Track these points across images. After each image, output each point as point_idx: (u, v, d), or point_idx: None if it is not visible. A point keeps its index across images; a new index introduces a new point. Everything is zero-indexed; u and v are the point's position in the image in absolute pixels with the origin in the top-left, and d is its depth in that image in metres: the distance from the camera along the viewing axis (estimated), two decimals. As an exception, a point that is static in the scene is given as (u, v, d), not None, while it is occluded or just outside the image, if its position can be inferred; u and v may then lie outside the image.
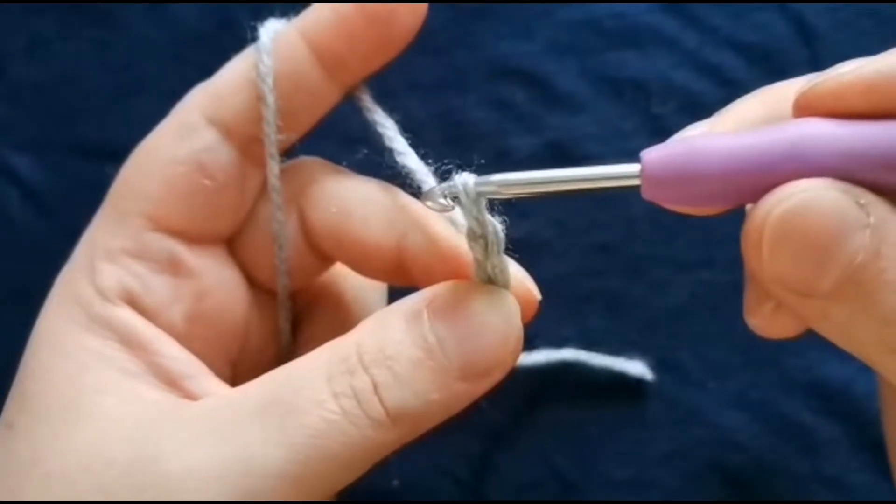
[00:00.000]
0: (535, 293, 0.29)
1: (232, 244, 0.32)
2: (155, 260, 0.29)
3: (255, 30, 0.30)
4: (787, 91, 0.26)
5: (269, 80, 0.29)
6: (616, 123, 0.42)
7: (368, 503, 0.39)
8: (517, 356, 0.27)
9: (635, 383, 0.40)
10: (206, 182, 0.29)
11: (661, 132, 0.42)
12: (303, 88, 0.30)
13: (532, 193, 0.25)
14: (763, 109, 0.26)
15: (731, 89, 0.42)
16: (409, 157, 0.29)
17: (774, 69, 0.42)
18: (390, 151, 0.29)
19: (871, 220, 0.22)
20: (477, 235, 0.26)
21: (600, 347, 0.41)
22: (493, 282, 0.27)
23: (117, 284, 0.29)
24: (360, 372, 0.26)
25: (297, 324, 0.34)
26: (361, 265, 0.32)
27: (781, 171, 0.23)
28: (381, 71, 0.31)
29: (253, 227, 0.32)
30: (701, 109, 0.43)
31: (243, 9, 0.45)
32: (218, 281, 0.31)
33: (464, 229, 0.27)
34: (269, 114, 0.29)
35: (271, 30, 0.30)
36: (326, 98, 0.30)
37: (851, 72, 0.24)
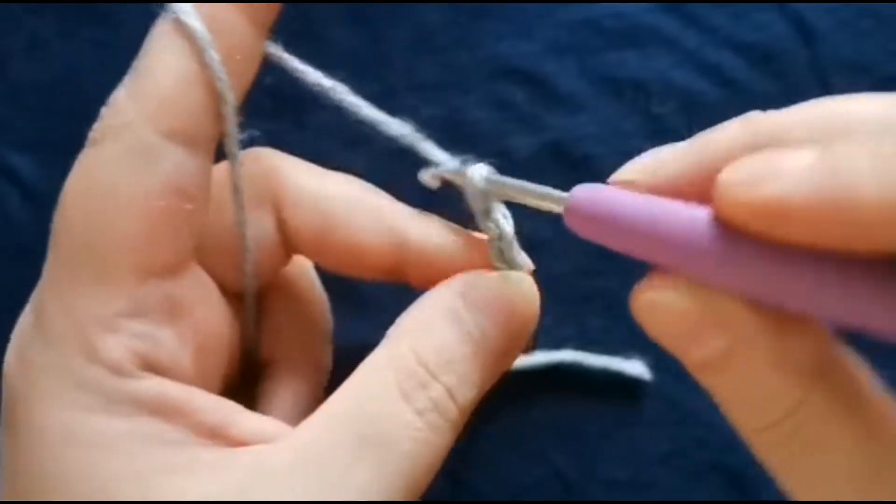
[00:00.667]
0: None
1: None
2: (155, 312, 0.26)
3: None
4: (765, 124, 0.24)
5: (223, 74, 0.26)
6: (616, 123, 0.42)
7: (368, 503, 0.39)
8: (538, 310, 0.30)
9: (634, 383, 0.40)
10: (188, 206, 0.26)
11: (661, 132, 0.42)
12: (237, 47, 0.28)
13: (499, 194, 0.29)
14: (739, 141, 0.24)
15: (731, 89, 0.42)
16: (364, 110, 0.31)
17: (774, 69, 0.42)
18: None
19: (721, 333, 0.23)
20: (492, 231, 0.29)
21: (599, 347, 0.41)
22: (510, 264, 0.30)
23: (127, 353, 0.25)
24: (434, 383, 0.27)
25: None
26: (349, 268, 0.32)
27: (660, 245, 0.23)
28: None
29: (214, 231, 0.29)
30: (701, 109, 0.43)
31: (243, 9, 0.45)
32: (205, 306, 0.29)
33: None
34: (230, 111, 0.27)
35: (188, 10, 0.27)
36: (255, 47, 0.29)
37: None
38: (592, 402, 0.40)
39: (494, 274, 0.30)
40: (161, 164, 0.26)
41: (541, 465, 0.40)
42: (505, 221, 0.30)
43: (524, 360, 0.39)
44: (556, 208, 0.26)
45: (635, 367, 0.40)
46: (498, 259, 0.30)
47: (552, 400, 0.40)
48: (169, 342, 0.27)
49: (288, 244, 0.31)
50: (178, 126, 0.26)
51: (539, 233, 0.36)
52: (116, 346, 0.25)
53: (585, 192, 0.25)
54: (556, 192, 0.27)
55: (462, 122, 0.43)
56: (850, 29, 0.42)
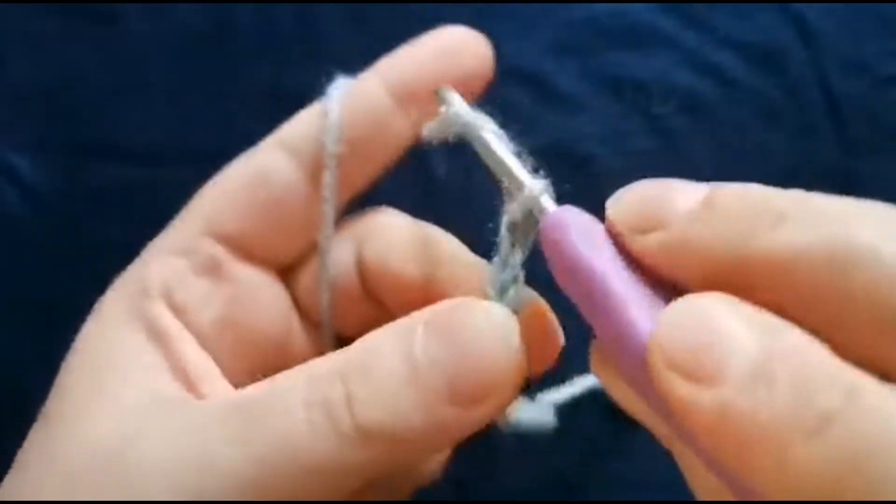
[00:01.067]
0: (558, 336, 0.28)
1: (290, 274, 0.32)
2: (198, 260, 0.30)
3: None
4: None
5: (334, 112, 0.30)
6: (616, 123, 0.42)
7: (368, 503, 0.39)
8: (515, 387, 0.25)
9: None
10: (263, 193, 0.30)
11: (661, 132, 0.42)
12: (375, 122, 0.31)
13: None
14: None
15: (731, 89, 0.42)
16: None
17: (774, 69, 0.42)
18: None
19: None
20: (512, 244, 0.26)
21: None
22: (500, 305, 0.26)
23: (159, 279, 0.30)
24: (338, 382, 0.24)
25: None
26: (398, 304, 0.31)
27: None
28: None
29: (312, 261, 0.32)
30: (701, 109, 0.43)
31: (243, 9, 0.45)
32: (257, 293, 0.31)
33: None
34: (330, 137, 0.30)
35: (343, 83, 0.31)
36: (399, 134, 0.31)
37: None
38: (592, 402, 0.40)
39: (484, 308, 0.25)
40: (258, 156, 0.31)
41: (541, 465, 0.40)
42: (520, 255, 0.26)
43: (557, 395, 0.39)
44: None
45: None
46: (495, 292, 0.26)
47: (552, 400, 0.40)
48: (194, 288, 0.30)
49: (365, 287, 0.32)
50: (287, 138, 0.31)
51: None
52: (158, 270, 0.30)
53: (557, 221, 0.24)
54: (540, 203, 0.26)
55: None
56: (850, 29, 0.42)
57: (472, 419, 0.24)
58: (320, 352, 0.32)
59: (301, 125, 0.31)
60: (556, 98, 0.43)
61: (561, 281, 0.24)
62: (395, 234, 0.31)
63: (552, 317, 0.28)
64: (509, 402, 0.25)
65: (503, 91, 0.43)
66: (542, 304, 0.27)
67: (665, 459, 0.39)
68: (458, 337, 0.24)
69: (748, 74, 0.42)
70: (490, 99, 0.43)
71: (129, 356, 0.28)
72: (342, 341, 0.31)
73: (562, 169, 0.42)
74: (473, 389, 0.24)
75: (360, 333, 0.32)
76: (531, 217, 0.26)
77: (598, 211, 0.39)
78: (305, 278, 0.32)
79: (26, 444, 0.28)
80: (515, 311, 0.26)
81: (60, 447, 0.27)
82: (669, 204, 0.23)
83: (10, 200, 0.44)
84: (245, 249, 0.31)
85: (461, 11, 0.43)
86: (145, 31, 0.45)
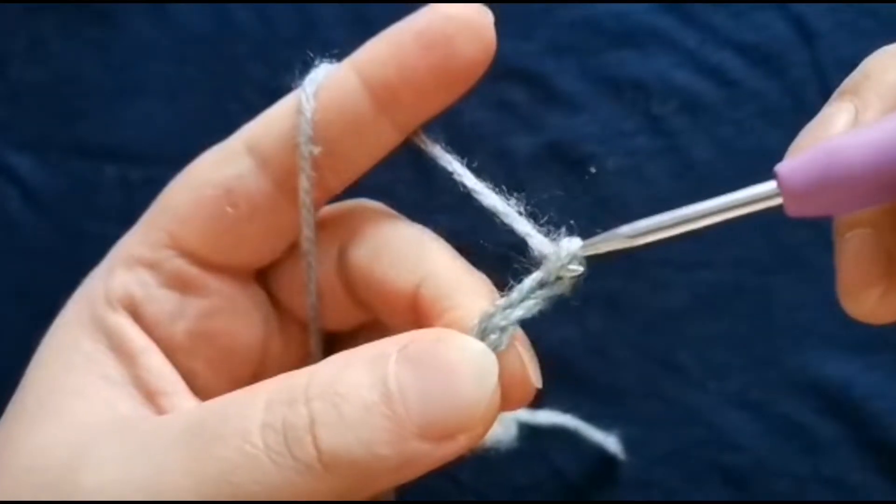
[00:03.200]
0: (534, 379, 0.26)
1: (267, 273, 0.31)
2: (166, 274, 0.29)
3: (306, 68, 0.29)
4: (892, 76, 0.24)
5: (308, 112, 0.27)
6: (616, 123, 0.42)
7: (368, 503, 0.39)
8: (487, 425, 0.24)
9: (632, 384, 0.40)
10: (229, 209, 0.28)
11: (661, 132, 0.42)
12: (353, 124, 0.28)
13: (663, 239, 0.24)
14: (881, 101, 0.24)
15: (731, 89, 0.42)
16: (488, 198, 0.27)
17: (774, 69, 0.42)
18: (469, 194, 0.28)
19: None
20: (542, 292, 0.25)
21: (600, 348, 0.41)
22: (486, 339, 0.25)
23: (123, 291, 0.28)
24: (300, 404, 0.23)
25: (333, 349, 0.32)
26: (383, 310, 0.30)
27: None
28: (440, 114, 0.28)
29: (290, 261, 0.30)
30: (701, 109, 0.43)
31: (243, 9, 0.45)
32: (231, 304, 0.30)
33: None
34: (304, 139, 0.28)
35: (321, 73, 0.29)
36: (380, 138, 0.28)
37: None
38: (592, 402, 0.40)
39: (462, 342, 0.24)
40: (227, 165, 0.29)
41: (541, 465, 0.40)
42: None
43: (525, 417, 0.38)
44: (761, 207, 0.23)
45: (611, 444, 0.39)
46: (481, 329, 0.25)
47: (552, 401, 0.40)
48: (163, 303, 0.29)
49: (347, 288, 0.30)
50: (258, 144, 0.28)
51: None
52: (122, 280, 0.29)
53: (801, 163, 0.23)
54: (755, 190, 0.23)
55: (462, 122, 0.43)
56: (850, 29, 0.42)
57: (442, 454, 0.24)
58: (303, 351, 0.32)
59: (271, 125, 0.29)
60: (556, 98, 0.43)
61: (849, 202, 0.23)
62: (381, 239, 0.29)
63: (532, 358, 0.27)
64: (480, 439, 0.24)
65: (503, 91, 0.43)
66: (524, 344, 0.26)
67: (664, 460, 0.40)
68: (434, 371, 0.23)
69: (748, 74, 0.42)
70: (490, 99, 0.43)
71: (87, 369, 0.28)
72: (326, 337, 0.31)
73: (562, 169, 0.42)
74: (445, 426, 0.23)
75: (344, 329, 0.32)
76: (560, 277, 0.25)
77: (598, 210, 0.39)
78: (284, 278, 0.31)
79: None
80: (496, 348, 0.25)
81: (10, 459, 0.26)
82: None
83: (11, 200, 0.44)
84: (213, 264, 0.29)
85: (461, 11, 0.43)
86: (145, 31, 0.45)
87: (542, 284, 0.25)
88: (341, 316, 0.31)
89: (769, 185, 0.23)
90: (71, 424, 0.26)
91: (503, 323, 0.25)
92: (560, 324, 0.41)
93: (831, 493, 0.39)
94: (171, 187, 0.30)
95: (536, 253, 0.26)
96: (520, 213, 0.27)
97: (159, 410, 0.28)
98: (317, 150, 0.27)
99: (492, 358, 0.24)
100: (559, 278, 0.25)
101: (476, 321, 0.25)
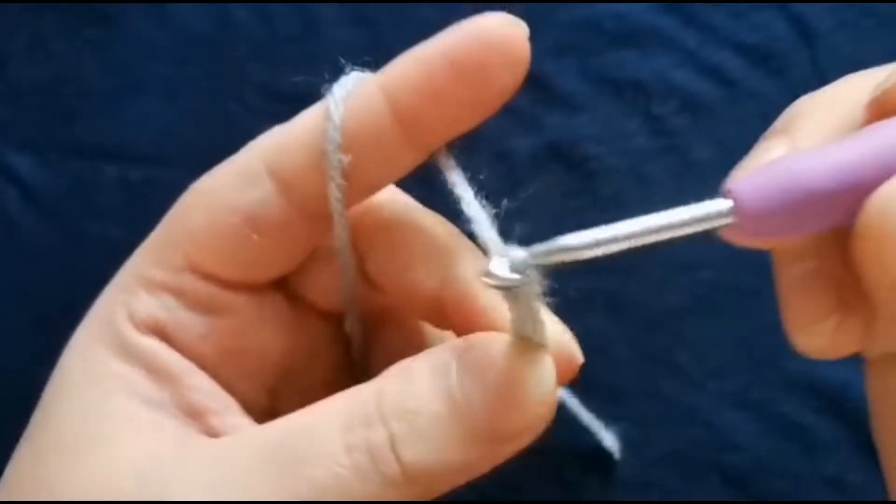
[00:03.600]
0: (578, 356, 0.28)
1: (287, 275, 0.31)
2: (190, 298, 0.28)
3: (333, 80, 0.28)
4: (850, 94, 0.24)
5: (337, 119, 0.26)
6: (616, 123, 0.42)
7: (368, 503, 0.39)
8: (550, 419, 0.25)
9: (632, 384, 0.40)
10: (254, 237, 0.27)
11: (661, 132, 0.42)
12: (378, 148, 0.27)
13: (600, 255, 0.23)
14: (836, 118, 0.24)
15: (731, 89, 0.42)
16: (481, 226, 0.26)
17: (774, 69, 0.42)
18: (465, 218, 0.27)
19: None
20: (515, 295, 0.24)
21: (600, 348, 0.41)
22: (529, 339, 0.25)
23: (149, 315, 0.28)
24: (378, 425, 0.24)
25: (366, 344, 0.33)
26: (404, 302, 0.30)
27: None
28: (468, 134, 0.28)
29: (313, 261, 0.30)
30: (701, 109, 0.43)
31: (243, 9, 0.45)
32: (258, 317, 0.29)
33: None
34: (332, 147, 0.26)
35: (350, 81, 0.27)
36: (404, 161, 0.27)
37: None
38: (591, 402, 0.40)
39: (510, 341, 0.25)
40: (249, 191, 0.27)
41: (541, 465, 0.40)
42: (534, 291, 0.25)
43: None
44: (709, 226, 0.22)
45: (609, 440, 0.39)
46: (518, 331, 0.25)
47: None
48: (191, 326, 0.28)
49: (363, 272, 0.30)
50: (281, 168, 0.27)
51: (540, 234, 0.36)
52: (146, 304, 0.28)
53: (760, 180, 0.21)
54: (705, 207, 0.22)
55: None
56: (850, 29, 0.42)
57: (509, 452, 0.25)
58: (326, 344, 0.32)
59: (293, 145, 0.27)
60: (556, 98, 0.43)
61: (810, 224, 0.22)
62: (401, 238, 0.29)
63: (574, 345, 0.28)
64: (543, 430, 0.25)
65: (503, 91, 0.43)
66: (564, 332, 0.28)
67: (664, 460, 0.40)
68: (496, 378, 0.24)
69: (748, 74, 0.42)
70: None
71: (126, 394, 0.27)
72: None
73: (562, 169, 0.42)
74: (512, 429, 0.24)
75: (367, 320, 0.32)
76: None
77: (598, 210, 0.39)
78: (306, 278, 0.31)
79: (14, 470, 0.27)
80: (540, 339, 0.25)
81: (50, 479, 0.26)
82: None
83: (11, 200, 0.44)
84: (234, 283, 0.29)
85: (461, 11, 0.43)
86: (145, 31, 0.45)
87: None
88: (363, 301, 0.31)
89: (722, 204, 0.22)
90: (123, 452, 0.26)
91: (534, 318, 0.25)
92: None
93: (831, 493, 0.39)
94: (186, 207, 0.28)
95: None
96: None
97: (210, 431, 0.27)
98: (346, 158, 0.26)
99: (548, 359, 0.25)
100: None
101: (511, 327, 0.25)
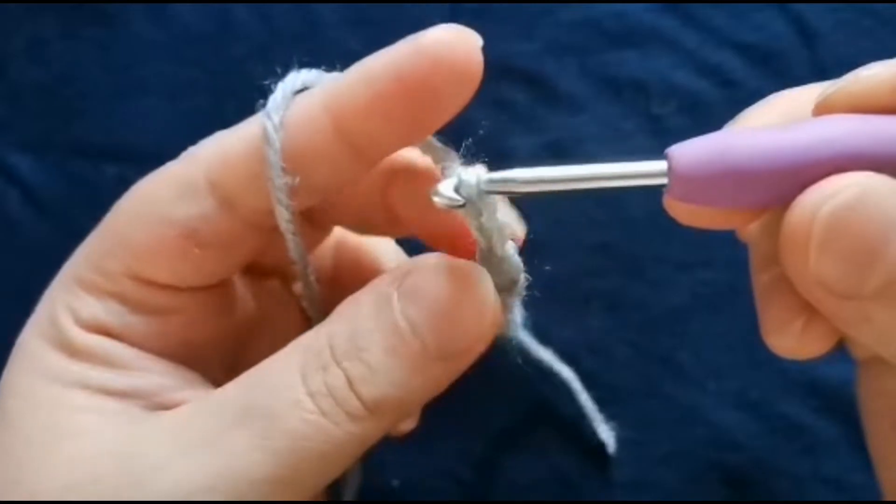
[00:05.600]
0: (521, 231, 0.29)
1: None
2: (133, 303, 0.28)
3: (272, 85, 0.27)
4: (801, 97, 0.25)
5: (277, 160, 0.26)
6: (616, 123, 0.42)
7: (368, 503, 0.39)
8: (495, 328, 0.26)
9: (631, 383, 0.40)
10: (196, 251, 0.27)
11: (661, 132, 0.42)
12: (323, 167, 0.26)
13: (544, 192, 0.24)
14: (781, 115, 0.25)
15: (731, 89, 0.42)
16: (442, 151, 0.27)
17: (774, 69, 0.42)
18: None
19: None
20: (483, 229, 0.25)
21: (600, 347, 0.41)
22: (491, 243, 0.26)
23: (93, 317, 0.28)
24: (333, 367, 0.25)
25: (325, 303, 0.33)
26: (351, 221, 0.31)
27: (823, 164, 0.22)
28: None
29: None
30: (701, 109, 0.43)
31: (243, 9, 0.45)
32: (206, 310, 0.30)
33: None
34: (275, 172, 0.26)
35: (289, 90, 0.27)
36: (353, 172, 0.27)
37: (878, 72, 0.23)
38: (592, 401, 0.40)
39: (446, 263, 0.25)
40: (189, 204, 0.27)
41: (541, 465, 0.40)
42: (499, 230, 0.25)
43: (533, 349, 0.39)
44: (646, 182, 0.23)
45: (604, 432, 0.39)
46: (479, 235, 0.25)
47: (553, 400, 0.40)
48: (139, 328, 0.28)
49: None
50: (223, 182, 0.27)
51: (540, 234, 0.36)
52: (91, 307, 0.28)
53: (695, 147, 0.22)
54: (645, 165, 0.23)
55: (462, 122, 0.42)
56: (850, 29, 0.42)
57: (464, 365, 0.26)
58: (277, 303, 0.32)
59: (233, 160, 0.27)
60: (556, 98, 0.43)
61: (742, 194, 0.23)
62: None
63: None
64: (492, 337, 0.26)
65: (503, 91, 0.43)
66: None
67: (664, 460, 0.40)
68: (435, 299, 0.25)
69: (748, 74, 0.42)
70: (490, 99, 0.43)
71: (83, 384, 0.27)
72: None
73: (562, 169, 0.42)
74: (461, 343, 0.25)
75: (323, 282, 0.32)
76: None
77: (598, 210, 0.39)
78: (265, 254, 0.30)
79: None
80: (500, 228, 0.26)
81: (36, 484, 0.26)
82: None
83: (11, 200, 0.44)
84: (180, 288, 0.28)
85: (461, 11, 0.43)
86: (145, 31, 0.45)
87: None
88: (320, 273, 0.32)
89: (659, 164, 0.23)
90: (91, 437, 0.26)
91: (501, 253, 0.26)
92: (560, 323, 0.41)
93: (831, 493, 0.39)
94: (125, 216, 0.28)
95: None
96: None
97: (175, 406, 0.27)
98: (294, 179, 0.26)
99: (482, 271, 0.26)
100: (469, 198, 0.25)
101: (478, 256, 0.26)
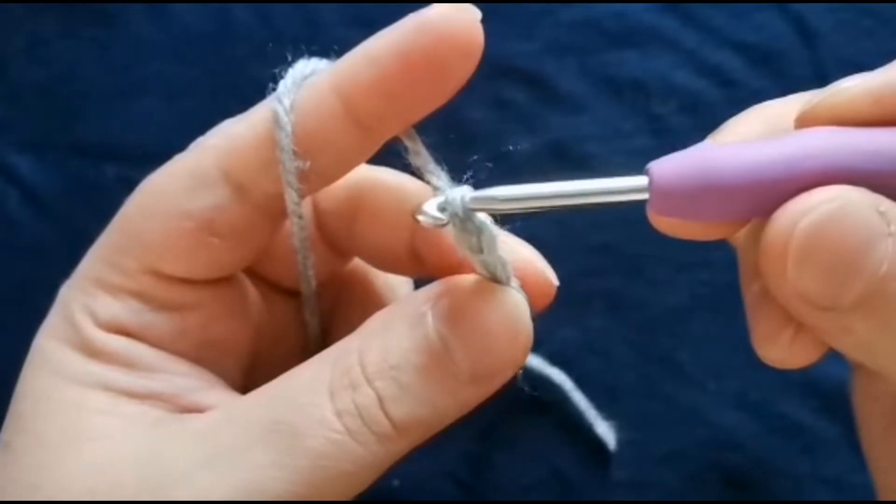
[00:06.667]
0: (552, 279, 0.28)
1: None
2: (152, 300, 0.28)
3: (281, 73, 0.27)
4: (782, 109, 0.25)
5: (289, 143, 0.26)
6: (616, 123, 0.42)
7: (368, 503, 0.39)
8: (527, 353, 0.26)
9: (631, 385, 0.40)
10: (213, 240, 0.27)
11: (661, 132, 0.42)
12: (333, 148, 0.27)
13: (527, 209, 0.24)
14: (762, 127, 0.25)
15: (731, 89, 0.42)
16: (429, 168, 0.26)
17: (774, 69, 0.42)
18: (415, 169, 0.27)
19: (892, 228, 0.21)
20: (469, 241, 0.25)
21: (600, 348, 0.41)
22: (496, 278, 0.25)
23: (112, 317, 0.27)
24: (364, 386, 0.25)
25: (327, 315, 0.33)
26: (375, 258, 0.31)
27: (800, 178, 0.22)
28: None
29: (273, 242, 0.30)
30: (701, 109, 0.43)
31: (243, 9, 0.45)
32: (224, 307, 0.30)
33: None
34: (286, 156, 0.26)
35: (298, 76, 0.27)
36: (359, 154, 0.27)
37: (858, 85, 0.23)
38: (592, 401, 0.40)
39: (483, 284, 0.25)
40: (204, 195, 0.27)
41: (541, 465, 0.40)
42: (487, 235, 0.25)
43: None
44: (626, 198, 0.23)
45: (602, 429, 0.40)
46: (483, 272, 0.25)
47: (552, 401, 0.40)
48: (159, 327, 0.28)
49: (325, 237, 0.31)
50: (235, 171, 0.27)
51: (540, 234, 0.36)
52: (109, 307, 0.27)
53: (674, 163, 0.23)
54: (626, 181, 0.23)
55: (462, 122, 0.43)
56: (850, 29, 0.42)
57: (494, 387, 0.26)
58: (288, 312, 0.32)
59: (244, 146, 0.27)
60: (556, 98, 0.43)
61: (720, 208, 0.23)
62: (370, 197, 0.30)
63: (542, 261, 0.28)
64: (523, 364, 0.26)
65: (503, 91, 0.43)
66: (530, 253, 0.28)
67: (664, 460, 0.40)
68: (472, 322, 0.25)
69: (748, 74, 0.42)
70: (490, 99, 0.43)
71: (104, 387, 0.27)
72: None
73: (562, 169, 0.42)
74: (493, 368, 0.25)
75: (323, 282, 0.32)
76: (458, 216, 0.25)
77: (597, 210, 0.39)
78: (267, 257, 0.31)
79: None
80: (503, 264, 0.25)
81: (56, 489, 0.25)
82: None
83: (10, 200, 0.44)
84: (197, 281, 0.28)
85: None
86: (145, 31, 0.45)
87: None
88: (325, 268, 0.32)
89: (640, 180, 0.23)
90: (113, 441, 0.26)
91: (495, 258, 0.25)
92: (560, 323, 0.41)
93: (831, 493, 0.39)
94: (138, 210, 0.28)
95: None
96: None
97: (197, 408, 0.27)
98: (305, 164, 0.26)
99: (516, 294, 0.25)
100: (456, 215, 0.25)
101: (477, 269, 0.25)
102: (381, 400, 0.25)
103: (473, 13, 0.25)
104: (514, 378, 0.26)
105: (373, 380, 0.25)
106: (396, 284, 0.34)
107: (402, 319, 0.25)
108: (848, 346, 0.23)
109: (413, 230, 0.29)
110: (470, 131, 0.43)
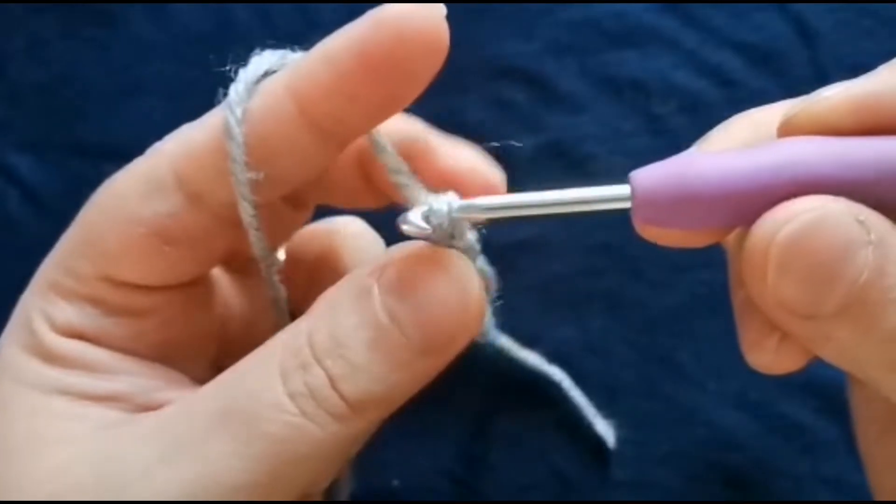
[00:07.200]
0: (497, 180, 0.29)
1: None
2: (108, 305, 0.27)
3: (229, 75, 0.27)
4: (767, 116, 0.25)
5: (240, 154, 0.25)
6: (616, 123, 0.42)
7: (368, 503, 0.39)
8: (481, 320, 0.25)
9: (631, 386, 0.40)
10: (166, 248, 0.27)
11: (661, 132, 0.42)
12: (290, 155, 0.26)
13: (512, 217, 0.24)
14: (748, 134, 0.25)
15: (731, 89, 0.42)
16: (408, 182, 0.26)
17: (774, 69, 0.42)
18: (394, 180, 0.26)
19: (872, 237, 0.22)
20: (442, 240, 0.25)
21: (600, 347, 0.41)
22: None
23: (68, 322, 0.27)
24: (314, 366, 0.24)
25: (297, 299, 0.32)
26: (335, 195, 0.31)
27: (781, 188, 0.22)
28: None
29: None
30: (701, 109, 0.43)
31: (243, 9, 0.45)
32: (183, 309, 0.29)
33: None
34: (238, 168, 0.25)
35: (251, 77, 0.26)
36: (321, 158, 0.26)
37: (839, 93, 0.24)
38: (591, 401, 0.40)
39: (427, 252, 0.24)
40: (157, 201, 0.26)
41: (541, 465, 0.40)
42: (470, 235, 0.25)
43: (519, 355, 0.39)
44: (608, 207, 0.24)
45: (602, 426, 0.40)
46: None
47: (551, 400, 0.40)
48: (116, 331, 0.28)
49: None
50: (189, 177, 0.26)
51: (540, 234, 0.36)
52: (65, 312, 0.27)
53: (656, 172, 0.23)
54: (609, 189, 0.23)
55: (462, 122, 0.42)
56: (850, 29, 0.42)
57: (446, 360, 0.25)
58: (255, 295, 0.32)
59: (198, 154, 0.26)
60: (556, 98, 0.43)
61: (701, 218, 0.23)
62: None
63: (484, 165, 0.29)
64: (477, 332, 0.25)
65: (503, 91, 0.43)
66: (473, 159, 0.29)
67: (664, 460, 0.40)
68: (418, 292, 0.24)
69: (748, 74, 0.42)
70: (490, 99, 0.43)
71: (63, 392, 0.27)
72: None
73: (562, 169, 0.42)
74: (444, 337, 0.24)
75: (282, 241, 0.32)
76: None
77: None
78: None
79: None
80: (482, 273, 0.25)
81: (16, 493, 0.25)
82: None
83: (10, 200, 0.44)
84: (153, 287, 0.28)
85: (461, 11, 0.43)
86: (145, 31, 0.45)
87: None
88: (284, 228, 0.32)
89: (623, 188, 0.23)
90: (73, 445, 0.26)
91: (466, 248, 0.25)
92: (560, 323, 0.41)
93: (831, 493, 0.39)
94: (94, 215, 0.27)
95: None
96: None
97: (159, 407, 0.27)
98: (259, 175, 0.25)
99: (464, 260, 0.25)
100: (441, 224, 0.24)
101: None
102: (332, 379, 0.24)
103: (436, 8, 0.24)
104: (472, 344, 0.25)
105: (322, 359, 0.24)
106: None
107: (348, 295, 0.25)
108: (830, 354, 0.23)
109: (360, 161, 0.28)
110: (470, 131, 0.43)
